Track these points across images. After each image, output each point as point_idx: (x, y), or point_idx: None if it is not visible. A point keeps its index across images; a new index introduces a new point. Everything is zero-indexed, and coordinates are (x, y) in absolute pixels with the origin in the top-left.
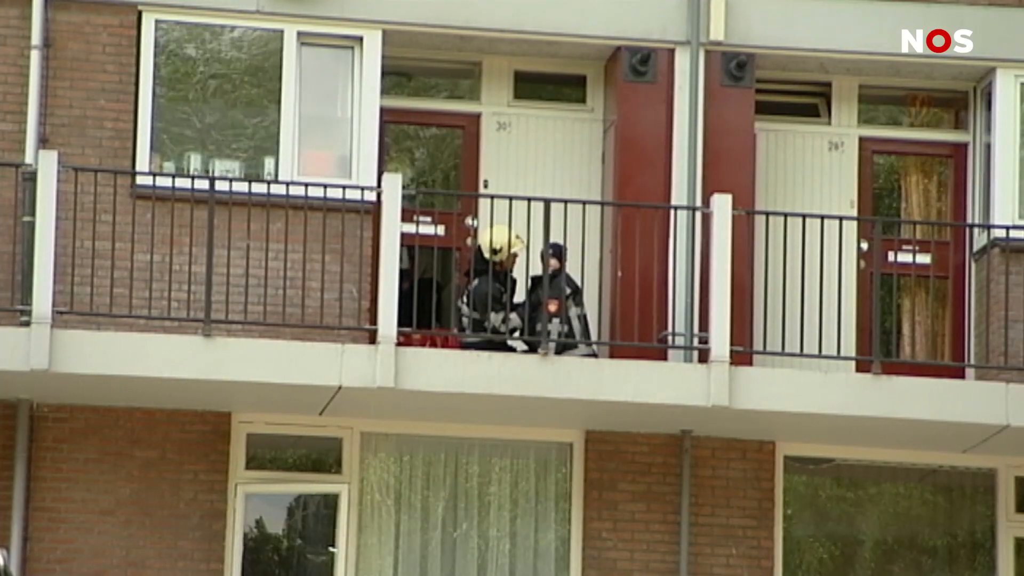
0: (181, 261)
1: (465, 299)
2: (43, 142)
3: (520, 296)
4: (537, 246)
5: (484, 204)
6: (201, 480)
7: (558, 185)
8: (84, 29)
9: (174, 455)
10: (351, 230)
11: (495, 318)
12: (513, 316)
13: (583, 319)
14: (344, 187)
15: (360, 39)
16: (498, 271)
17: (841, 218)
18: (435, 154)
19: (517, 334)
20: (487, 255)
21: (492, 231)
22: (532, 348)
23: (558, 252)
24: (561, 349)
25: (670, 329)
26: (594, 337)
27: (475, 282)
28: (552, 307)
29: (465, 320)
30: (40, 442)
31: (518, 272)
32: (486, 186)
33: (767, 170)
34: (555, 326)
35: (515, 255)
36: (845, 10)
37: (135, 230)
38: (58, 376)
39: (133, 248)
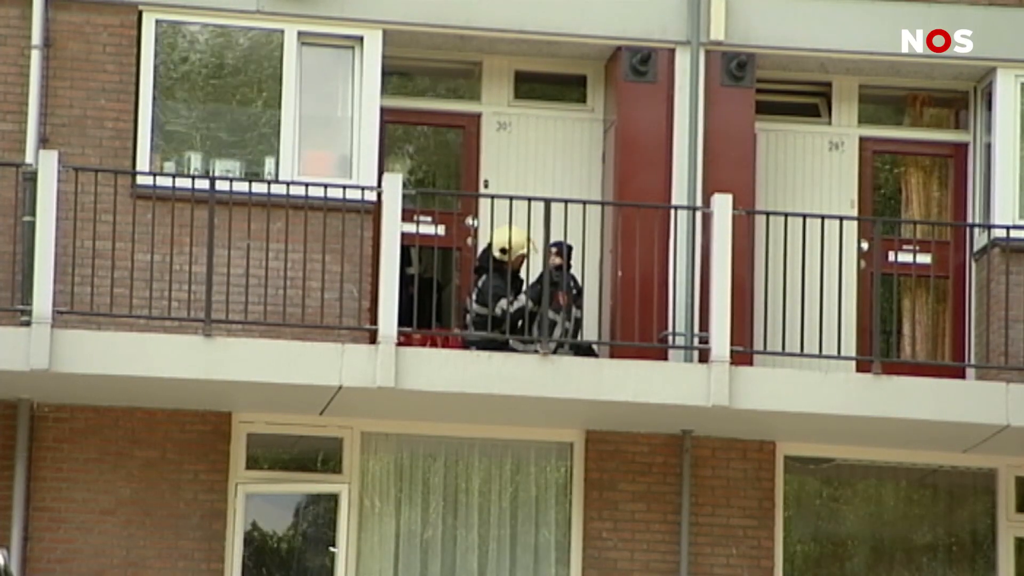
0: (181, 261)
1: (474, 295)
2: (43, 142)
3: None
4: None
5: (484, 204)
6: (201, 480)
7: (558, 185)
8: (84, 29)
9: (174, 455)
10: (351, 230)
11: (503, 303)
12: (521, 296)
13: (578, 322)
14: (344, 187)
15: (360, 39)
16: (504, 269)
17: (841, 218)
18: (431, 153)
19: (526, 317)
20: (497, 253)
21: (509, 231)
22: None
23: (561, 250)
24: (557, 345)
25: (670, 329)
26: (593, 338)
27: (483, 278)
28: (561, 300)
29: (472, 316)
30: (40, 442)
31: (523, 275)
32: (486, 186)
33: (767, 170)
34: (560, 320)
35: (523, 256)
36: (845, 10)
37: (135, 230)
38: (58, 376)
39: (133, 248)
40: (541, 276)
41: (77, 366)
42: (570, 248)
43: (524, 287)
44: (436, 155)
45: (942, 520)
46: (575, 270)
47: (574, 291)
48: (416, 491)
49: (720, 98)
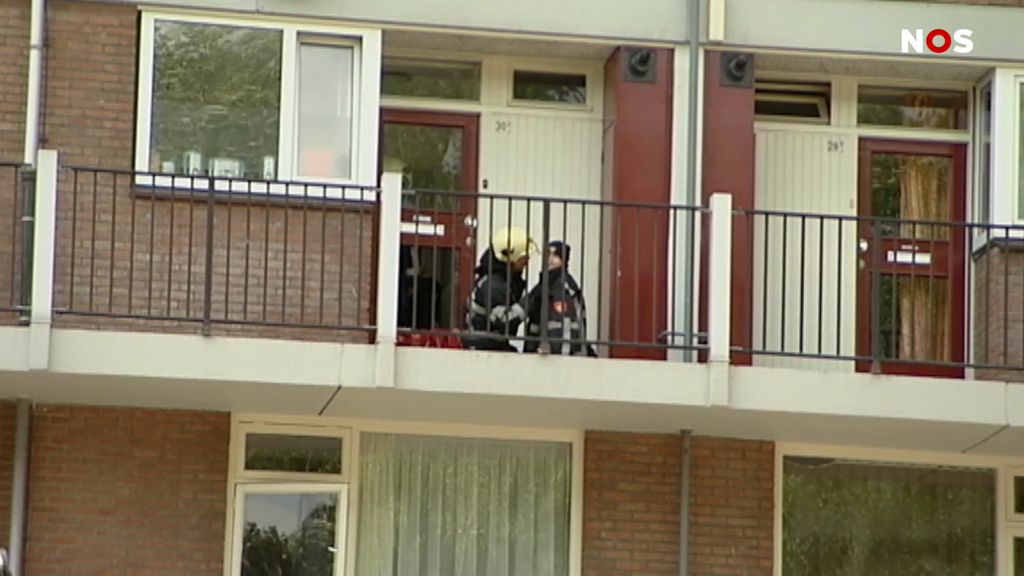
0: (180, 261)
1: (473, 295)
2: (42, 142)
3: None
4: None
5: (483, 204)
6: (200, 480)
7: (558, 185)
8: (84, 29)
9: (174, 455)
10: (350, 230)
11: (498, 310)
12: (516, 307)
13: (583, 322)
14: (344, 187)
15: (360, 39)
16: (505, 270)
17: (841, 218)
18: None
19: (521, 327)
20: (499, 255)
21: (510, 232)
22: (532, 348)
23: (560, 250)
24: (572, 350)
25: (669, 329)
26: (592, 338)
27: (483, 279)
28: (559, 307)
29: (471, 316)
30: (40, 442)
31: (526, 275)
32: (485, 186)
33: (767, 170)
34: (567, 324)
35: (526, 257)
36: (845, 10)
37: (134, 230)
38: (57, 376)
39: (132, 248)
40: (536, 288)
41: (76, 366)
42: (568, 248)
43: (525, 291)
44: (426, 153)
45: (941, 520)
46: (575, 271)
47: (571, 292)
48: (415, 491)
49: (719, 98)
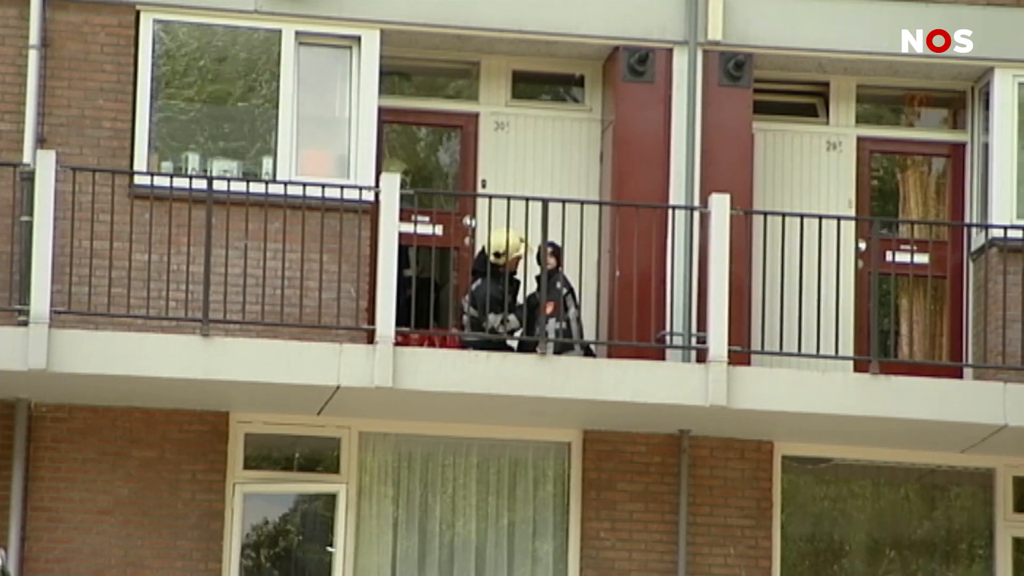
0: (179, 261)
1: (468, 298)
2: (41, 142)
3: (522, 297)
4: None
5: (482, 204)
6: (199, 480)
7: (556, 185)
8: (82, 29)
9: (172, 455)
10: (349, 230)
11: (494, 319)
12: (512, 317)
13: (578, 321)
14: (342, 187)
15: (358, 39)
16: (500, 272)
17: (839, 218)
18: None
19: (517, 335)
20: (492, 258)
21: (508, 234)
22: (528, 348)
23: (555, 251)
24: (560, 349)
25: (668, 329)
26: (591, 337)
27: (477, 282)
28: (548, 308)
29: (467, 319)
30: (38, 442)
31: (521, 274)
32: (484, 186)
33: (765, 170)
34: (552, 326)
35: (518, 257)
36: (844, 10)
37: (133, 230)
38: (56, 376)
39: (131, 248)
40: (531, 297)
41: (75, 366)
42: (561, 249)
43: (521, 289)
44: (424, 153)
45: (940, 520)
46: (573, 271)
47: (564, 291)
48: (414, 491)
49: (718, 98)
